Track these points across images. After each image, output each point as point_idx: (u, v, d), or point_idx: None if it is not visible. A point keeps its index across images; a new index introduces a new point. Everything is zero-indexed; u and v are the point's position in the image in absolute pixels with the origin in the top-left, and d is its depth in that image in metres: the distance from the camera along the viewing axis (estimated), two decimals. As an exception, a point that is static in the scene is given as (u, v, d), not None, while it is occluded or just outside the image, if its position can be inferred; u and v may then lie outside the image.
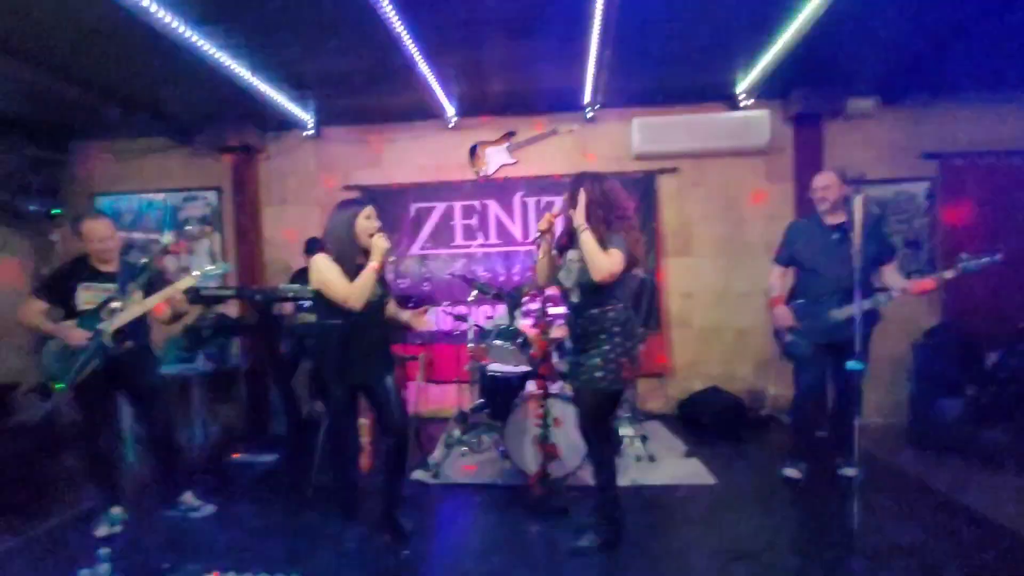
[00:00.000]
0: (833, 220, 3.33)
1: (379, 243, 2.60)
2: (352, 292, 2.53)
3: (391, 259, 2.69)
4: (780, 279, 3.53)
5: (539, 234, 2.69)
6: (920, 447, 4.00)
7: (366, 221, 2.63)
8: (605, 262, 2.48)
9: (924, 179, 4.77)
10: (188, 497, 3.22)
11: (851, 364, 2.00)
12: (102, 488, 3.11)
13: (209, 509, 3.20)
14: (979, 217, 4.65)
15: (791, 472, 3.44)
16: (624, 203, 2.63)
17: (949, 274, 2.95)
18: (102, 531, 2.99)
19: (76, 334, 2.87)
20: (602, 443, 2.72)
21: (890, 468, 3.66)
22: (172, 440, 3.25)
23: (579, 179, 2.65)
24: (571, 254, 2.65)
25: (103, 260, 3.02)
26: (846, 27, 3.50)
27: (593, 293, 2.59)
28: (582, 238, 2.51)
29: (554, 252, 2.77)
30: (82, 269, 3.01)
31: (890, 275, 3.26)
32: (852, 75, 4.41)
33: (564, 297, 2.75)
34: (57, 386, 2.88)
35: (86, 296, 2.93)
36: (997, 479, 3.42)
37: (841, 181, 3.28)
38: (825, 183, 3.33)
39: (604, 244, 2.51)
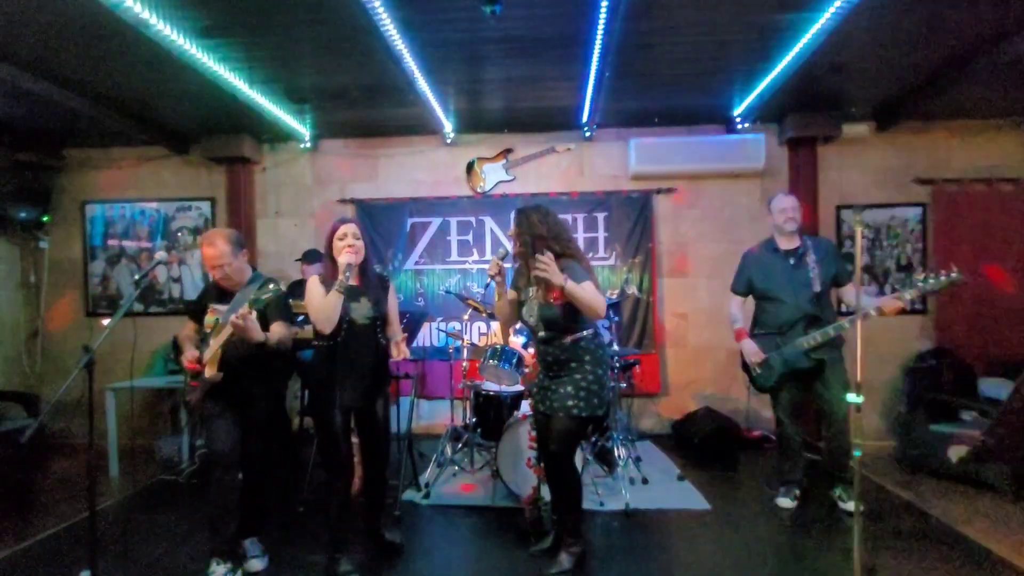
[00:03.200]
0: (788, 245, 3.31)
1: (340, 260, 2.52)
2: (316, 316, 2.51)
3: (388, 270, 2.63)
4: (740, 309, 3.50)
5: (490, 279, 2.68)
6: (911, 471, 3.99)
7: (339, 241, 2.58)
8: (599, 301, 2.47)
9: (917, 204, 4.82)
10: (248, 543, 2.82)
11: (850, 398, 1.98)
12: (217, 532, 2.71)
13: (259, 564, 2.78)
14: (971, 242, 4.69)
15: (784, 502, 3.41)
16: (568, 231, 2.68)
17: (909, 295, 2.92)
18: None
19: (184, 358, 2.71)
20: (569, 466, 2.70)
21: (881, 492, 3.65)
22: (259, 480, 2.82)
23: (522, 215, 2.63)
24: (532, 290, 2.65)
25: (227, 281, 2.72)
26: (842, 55, 3.56)
27: (560, 325, 2.58)
28: (570, 290, 2.39)
29: (510, 291, 2.78)
30: (218, 288, 2.76)
31: (854, 294, 3.13)
32: (847, 101, 4.46)
33: (531, 332, 2.73)
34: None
35: (209, 319, 2.70)
36: (989, 506, 3.41)
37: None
38: (794, 204, 3.31)
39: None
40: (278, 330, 2.67)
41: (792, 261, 3.27)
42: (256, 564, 2.80)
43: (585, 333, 2.60)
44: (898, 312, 3.00)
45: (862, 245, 2.55)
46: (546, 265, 2.38)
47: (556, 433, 2.62)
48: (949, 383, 4.27)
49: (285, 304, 2.76)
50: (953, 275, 2.84)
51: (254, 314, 2.47)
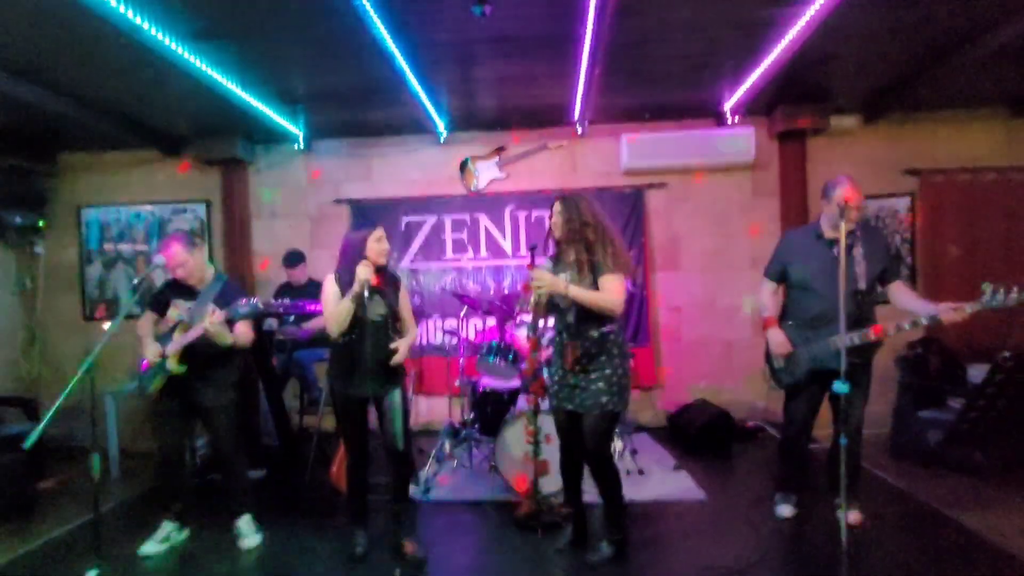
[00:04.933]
0: (834, 234, 2.88)
1: (359, 273, 2.62)
2: (327, 318, 2.70)
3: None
4: (772, 296, 3.19)
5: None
6: (903, 458, 4.08)
7: (376, 243, 2.73)
8: (610, 301, 2.53)
9: (905, 194, 4.89)
10: (242, 523, 3.10)
11: (837, 385, 2.03)
12: (165, 502, 3.13)
13: (254, 540, 3.07)
14: (956, 231, 4.76)
15: (784, 510, 3.22)
16: (603, 219, 2.69)
17: (971, 308, 2.58)
18: (148, 548, 3.00)
19: (147, 350, 2.94)
20: (610, 461, 2.77)
21: (874, 479, 3.72)
22: (233, 463, 3.12)
23: (570, 203, 2.67)
24: (564, 276, 2.66)
25: (190, 279, 3.01)
26: (828, 48, 3.60)
27: (592, 314, 2.59)
28: (573, 296, 2.51)
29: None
30: (179, 285, 3.02)
31: (903, 295, 2.90)
32: (834, 93, 4.51)
33: (559, 318, 2.73)
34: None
35: (172, 313, 2.96)
36: (979, 491, 3.48)
37: None
38: (860, 201, 2.83)
39: (595, 271, 2.56)
40: (242, 330, 2.97)
41: (836, 251, 2.80)
42: (250, 541, 3.05)
43: (613, 326, 2.64)
44: (954, 323, 2.67)
45: (870, 237, 2.47)
46: (541, 282, 2.48)
47: (591, 431, 2.64)
48: (937, 370, 4.34)
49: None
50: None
51: (216, 311, 2.79)
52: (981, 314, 2.53)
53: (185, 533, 3.16)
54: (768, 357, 3.21)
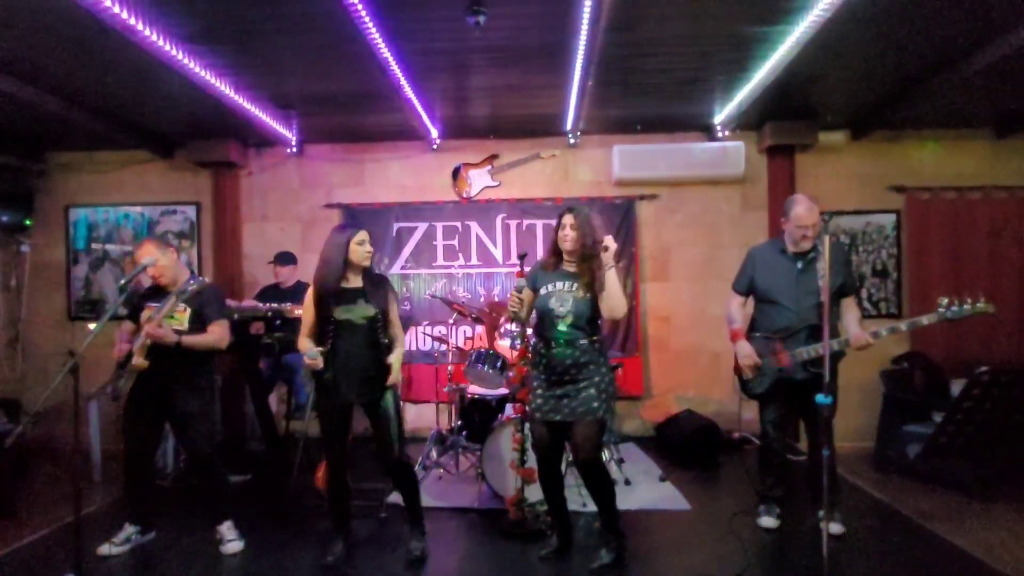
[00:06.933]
0: (797, 248, 3.08)
1: (309, 356, 2.68)
2: (304, 326, 2.78)
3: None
4: (740, 309, 3.29)
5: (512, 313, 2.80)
6: (887, 471, 4.11)
7: (358, 247, 2.73)
8: (624, 301, 2.62)
9: (891, 211, 4.96)
10: (224, 528, 3.05)
11: (819, 398, 2.06)
12: (129, 505, 3.13)
13: (237, 546, 3.02)
14: (940, 248, 4.83)
15: (767, 521, 3.21)
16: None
17: (927, 319, 2.81)
18: (104, 549, 2.96)
19: (117, 350, 2.97)
20: (604, 469, 2.79)
21: (858, 492, 3.75)
22: (207, 469, 3.07)
23: (583, 214, 2.69)
24: (562, 284, 2.69)
25: (163, 280, 3.02)
26: (817, 66, 3.66)
27: (586, 323, 2.63)
28: (610, 277, 2.57)
29: (527, 291, 2.80)
30: (152, 287, 3.06)
31: (845, 313, 3.06)
32: (823, 110, 4.58)
33: (550, 326, 2.68)
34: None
35: (144, 315, 2.95)
36: (960, 505, 3.52)
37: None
38: (816, 221, 2.98)
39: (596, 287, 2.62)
40: (215, 330, 2.98)
41: (800, 265, 3.04)
42: (233, 547, 3.01)
43: (603, 335, 2.71)
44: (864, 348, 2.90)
45: (833, 253, 2.52)
46: (611, 248, 2.57)
47: (585, 440, 2.63)
48: (921, 385, 4.39)
49: (219, 301, 3.06)
50: (980, 305, 2.65)
51: (188, 311, 2.90)
52: (967, 331, 2.61)
53: (150, 536, 3.13)
54: (737, 368, 3.28)
